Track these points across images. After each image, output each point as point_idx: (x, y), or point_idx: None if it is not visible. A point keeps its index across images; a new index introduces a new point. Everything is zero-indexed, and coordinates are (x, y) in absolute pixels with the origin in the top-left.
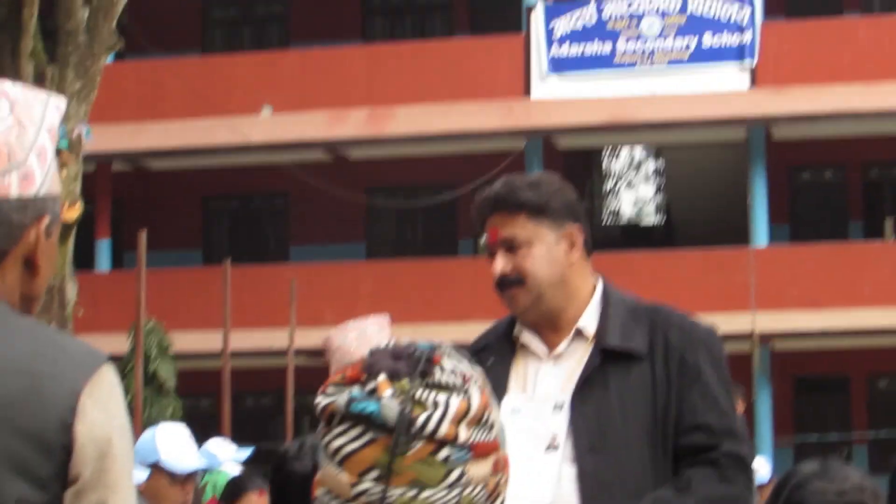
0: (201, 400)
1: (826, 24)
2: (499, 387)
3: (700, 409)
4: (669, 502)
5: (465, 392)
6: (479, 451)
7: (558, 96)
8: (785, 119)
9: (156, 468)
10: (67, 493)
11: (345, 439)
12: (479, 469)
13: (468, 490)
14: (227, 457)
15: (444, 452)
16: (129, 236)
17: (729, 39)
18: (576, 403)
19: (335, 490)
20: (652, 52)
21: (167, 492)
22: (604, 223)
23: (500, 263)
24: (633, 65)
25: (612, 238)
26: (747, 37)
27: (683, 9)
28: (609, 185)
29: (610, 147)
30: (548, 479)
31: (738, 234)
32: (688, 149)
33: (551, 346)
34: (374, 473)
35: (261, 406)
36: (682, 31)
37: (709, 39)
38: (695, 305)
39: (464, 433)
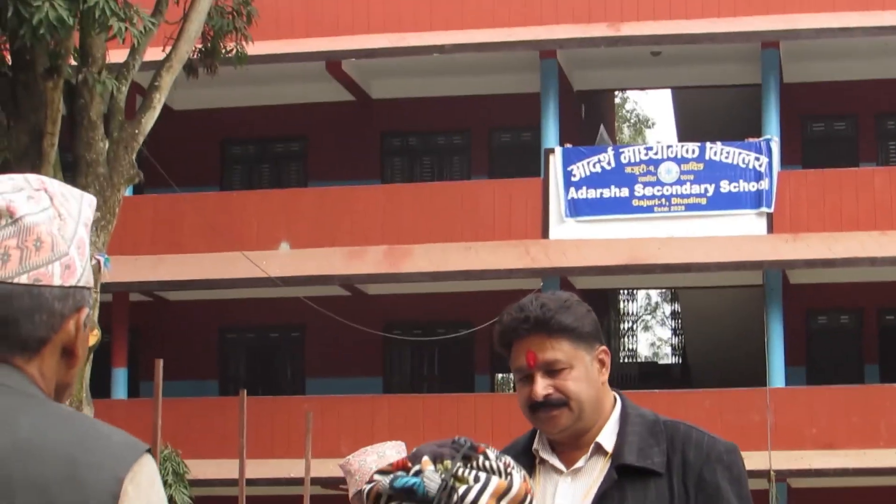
0: None
1: (842, 173)
2: None
3: None
4: None
5: (508, 475)
6: None
7: (576, 237)
8: (801, 264)
9: None
10: None
11: None
12: None
13: None
14: None
15: None
16: (146, 366)
17: (746, 186)
18: None
19: None
20: (669, 198)
21: None
22: (621, 362)
23: (542, 386)
24: (650, 209)
25: (629, 377)
26: (764, 184)
27: (701, 157)
28: (626, 325)
29: (626, 289)
30: None
31: (755, 376)
32: (705, 292)
33: (570, 461)
34: None
35: None
36: (699, 178)
37: (726, 186)
38: None
39: None
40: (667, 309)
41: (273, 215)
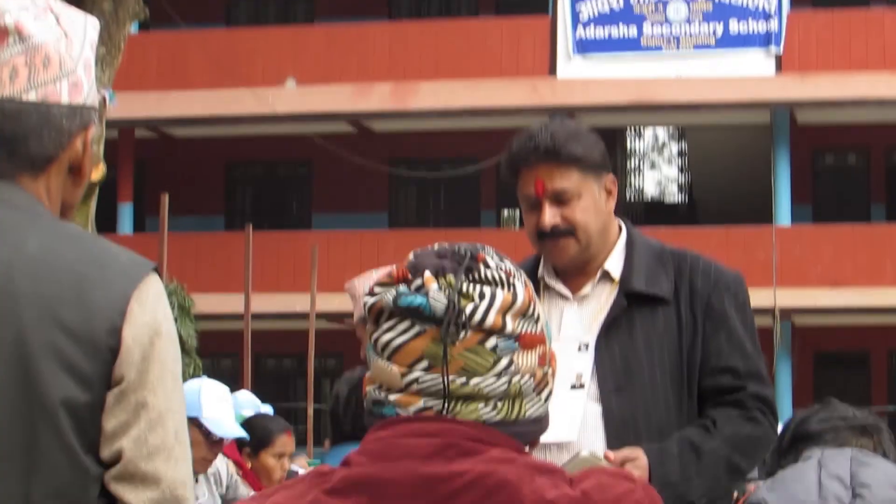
0: (222, 360)
1: (852, 14)
2: None
3: (725, 352)
4: (695, 440)
5: (511, 285)
6: (525, 342)
7: (583, 76)
8: (809, 104)
9: (193, 423)
10: (110, 393)
11: (393, 333)
12: (527, 359)
13: (516, 378)
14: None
15: (491, 342)
16: (151, 201)
17: (755, 26)
18: (601, 345)
19: (385, 383)
20: (678, 37)
21: (197, 448)
22: (627, 201)
23: (550, 215)
24: (659, 48)
25: (635, 215)
26: (773, 24)
27: None
28: (632, 163)
29: (634, 127)
30: (573, 416)
31: (761, 215)
32: (712, 131)
33: (576, 288)
34: (423, 363)
35: (282, 367)
36: (708, 18)
37: (735, 26)
38: None
39: (510, 323)
40: (674, 148)
41: (280, 52)
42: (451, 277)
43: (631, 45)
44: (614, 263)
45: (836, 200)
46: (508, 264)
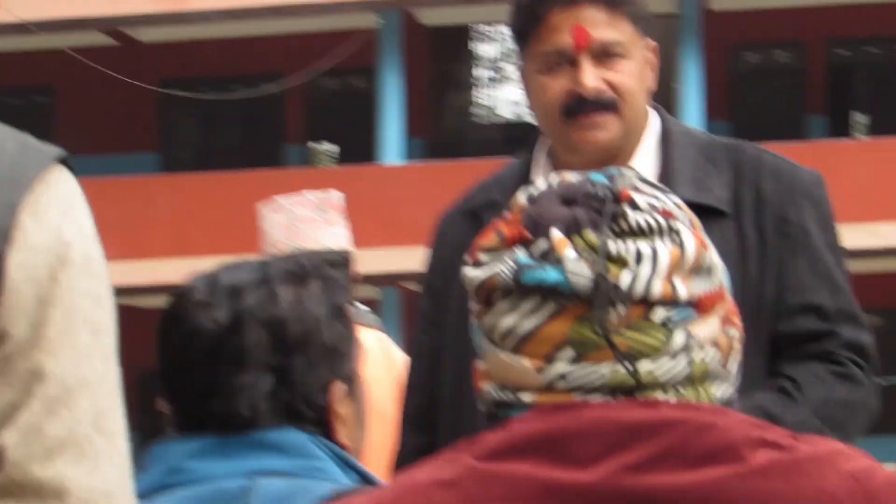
0: None
1: None
2: None
3: (809, 285)
4: (772, 411)
5: (673, 231)
6: (703, 307)
7: None
8: None
9: None
10: None
11: (516, 317)
12: (706, 328)
13: (697, 355)
14: None
15: (658, 314)
16: None
17: None
18: None
19: (512, 382)
20: None
21: None
22: (481, 122)
23: (592, 76)
24: None
25: (492, 142)
26: None
27: None
28: (488, 73)
29: (489, 24)
30: None
31: None
32: None
33: None
34: (568, 352)
35: None
36: None
37: None
38: None
39: (682, 288)
40: None
41: None
42: (590, 235)
43: None
44: (646, 162)
45: (762, 113)
46: (663, 199)
